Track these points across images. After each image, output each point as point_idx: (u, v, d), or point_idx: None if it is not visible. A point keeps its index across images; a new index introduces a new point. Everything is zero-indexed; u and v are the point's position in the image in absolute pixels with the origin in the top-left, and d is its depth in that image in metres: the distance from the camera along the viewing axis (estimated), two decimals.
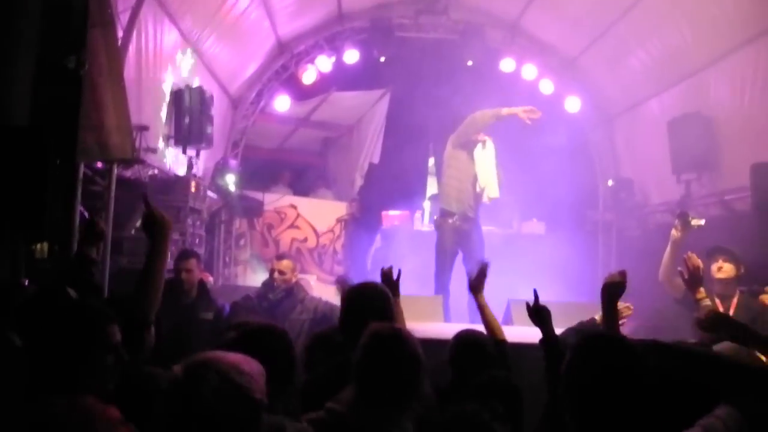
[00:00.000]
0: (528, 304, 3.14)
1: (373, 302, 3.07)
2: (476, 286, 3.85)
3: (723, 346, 2.80)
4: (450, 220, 7.16)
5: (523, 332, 3.71)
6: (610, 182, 9.44)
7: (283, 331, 2.60)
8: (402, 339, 2.51)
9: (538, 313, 3.07)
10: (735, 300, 4.95)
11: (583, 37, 9.30)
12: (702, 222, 5.07)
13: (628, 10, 8.06)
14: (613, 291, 3.00)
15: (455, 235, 7.13)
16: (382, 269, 3.73)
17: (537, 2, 9.10)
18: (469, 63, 9.81)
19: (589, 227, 10.27)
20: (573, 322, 3.94)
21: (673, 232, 5.07)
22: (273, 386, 2.01)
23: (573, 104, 10.00)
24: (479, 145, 7.34)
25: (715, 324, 2.90)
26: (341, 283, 3.76)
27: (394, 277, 3.66)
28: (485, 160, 7.26)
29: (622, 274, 3.04)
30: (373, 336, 2.53)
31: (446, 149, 7.35)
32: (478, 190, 7.21)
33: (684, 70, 7.99)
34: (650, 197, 9.22)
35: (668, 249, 5.08)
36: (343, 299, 3.20)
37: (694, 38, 7.55)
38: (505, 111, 7.12)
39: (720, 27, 7.02)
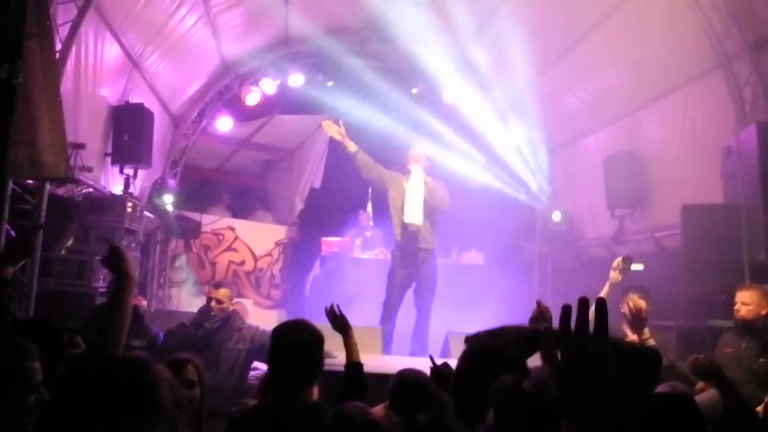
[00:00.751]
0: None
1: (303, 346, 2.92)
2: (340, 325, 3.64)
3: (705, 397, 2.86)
4: (398, 252, 7.17)
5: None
6: (555, 216, 9.58)
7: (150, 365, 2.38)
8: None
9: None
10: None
11: (525, 72, 9.49)
12: (641, 267, 5.24)
13: (568, 50, 8.32)
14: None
15: (403, 267, 7.13)
16: (326, 309, 3.65)
17: (481, 38, 9.24)
18: (414, 91, 9.88)
19: (526, 258, 10.43)
20: None
21: (612, 274, 5.20)
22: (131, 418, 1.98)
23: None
24: (406, 178, 7.34)
25: (707, 372, 2.93)
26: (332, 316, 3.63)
27: (337, 312, 3.59)
28: (411, 189, 7.24)
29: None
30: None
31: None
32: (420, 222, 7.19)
33: (620, 110, 8.29)
34: (585, 231, 9.43)
35: (605, 289, 5.20)
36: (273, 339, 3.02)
37: (630, 79, 7.85)
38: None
39: (654, 71, 7.31)
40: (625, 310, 3.33)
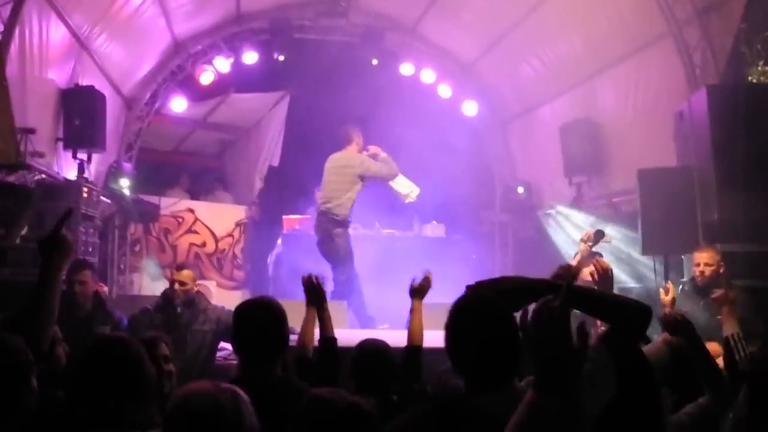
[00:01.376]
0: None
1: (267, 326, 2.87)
2: (420, 291, 3.87)
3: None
4: (350, 229, 7.37)
5: (427, 337, 3.69)
6: (520, 189, 9.69)
7: (132, 342, 2.38)
8: None
9: None
10: None
11: (479, 43, 9.57)
12: (611, 240, 5.45)
13: (521, 20, 8.35)
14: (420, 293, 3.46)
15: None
16: (303, 279, 3.63)
17: (434, 8, 9.23)
18: (374, 62, 9.81)
19: (487, 228, 10.54)
20: None
21: (582, 246, 5.37)
22: (124, 399, 2.05)
23: (470, 108, 10.23)
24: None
25: (678, 327, 2.98)
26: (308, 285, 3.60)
27: (315, 282, 3.58)
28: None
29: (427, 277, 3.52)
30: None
31: (352, 170, 7.41)
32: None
33: (574, 78, 8.38)
34: (544, 199, 9.56)
35: (576, 259, 5.36)
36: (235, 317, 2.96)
37: (582, 48, 7.94)
38: None
39: (607, 38, 7.41)
40: (593, 272, 3.40)
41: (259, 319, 2.84)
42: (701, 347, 2.85)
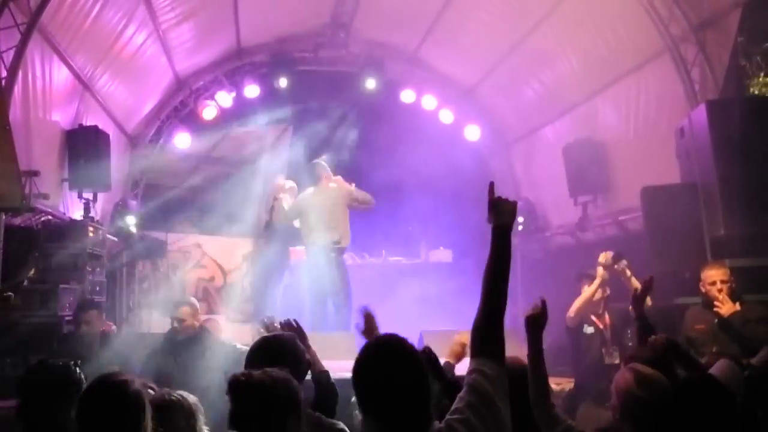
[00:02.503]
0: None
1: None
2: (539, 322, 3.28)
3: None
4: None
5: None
6: (520, 218, 9.68)
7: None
8: None
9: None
10: (607, 315, 5.73)
11: (479, 67, 9.61)
12: (624, 263, 5.65)
13: (518, 43, 8.41)
14: (536, 323, 2.98)
15: None
16: (281, 325, 3.64)
17: (433, 35, 9.31)
18: (370, 85, 9.84)
19: None
20: None
21: (600, 271, 5.42)
22: None
23: (472, 132, 10.27)
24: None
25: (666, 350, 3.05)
26: (267, 326, 3.59)
27: (294, 325, 3.60)
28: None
29: (543, 303, 3.01)
30: None
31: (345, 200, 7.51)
32: None
33: (574, 99, 8.41)
34: (550, 220, 9.54)
35: (595, 285, 5.61)
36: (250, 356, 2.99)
37: (581, 68, 7.96)
38: None
39: (605, 58, 7.44)
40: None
41: (274, 351, 2.86)
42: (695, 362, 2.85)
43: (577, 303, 5.67)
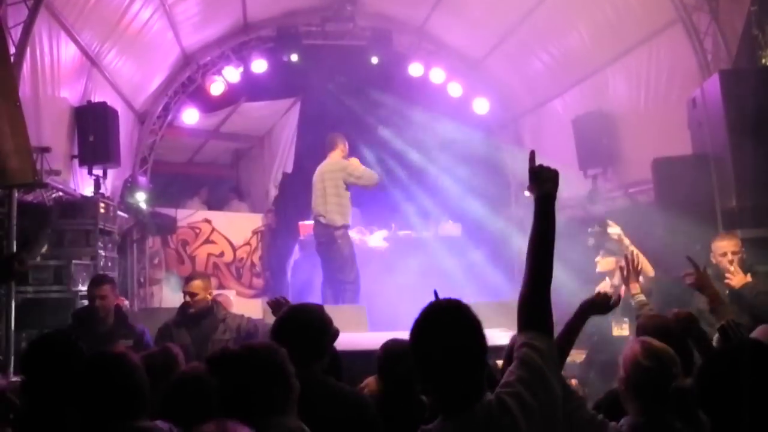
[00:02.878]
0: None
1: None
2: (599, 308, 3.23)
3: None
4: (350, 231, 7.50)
5: None
6: (526, 193, 9.67)
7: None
8: None
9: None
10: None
11: (487, 40, 9.52)
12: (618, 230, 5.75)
13: (527, 14, 8.32)
14: (594, 307, 3.03)
15: None
16: (269, 303, 3.68)
17: (441, 7, 9.22)
18: (374, 60, 9.78)
19: (503, 224, 10.49)
20: (493, 322, 4.01)
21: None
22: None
23: (481, 105, 10.21)
24: None
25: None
26: (275, 306, 3.61)
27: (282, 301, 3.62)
28: None
29: (606, 296, 3.09)
30: None
31: (337, 175, 7.44)
32: None
33: (584, 70, 8.34)
34: (560, 192, 9.40)
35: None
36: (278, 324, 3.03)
37: (591, 40, 7.88)
38: None
39: (615, 28, 7.36)
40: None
41: (300, 321, 2.89)
42: None
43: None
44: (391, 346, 3.36)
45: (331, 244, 7.31)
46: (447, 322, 2.00)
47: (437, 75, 10.02)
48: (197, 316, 4.90)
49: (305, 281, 8.53)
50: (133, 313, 6.87)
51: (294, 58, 9.42)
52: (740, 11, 5.99)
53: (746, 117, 5.27)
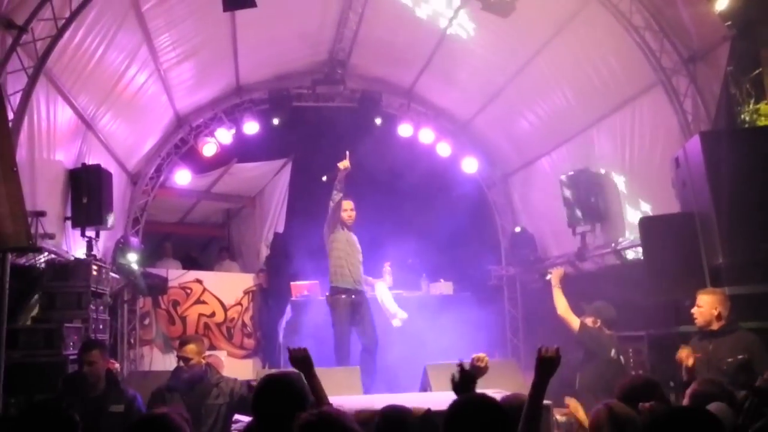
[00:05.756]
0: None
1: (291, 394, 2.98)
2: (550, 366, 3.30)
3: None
4: (343, 296, 7.19)
5: (444, 398, 3.66)
6: (517, 229, 9.87)
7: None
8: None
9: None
10: None
11: (475, 101, 9.80)
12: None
13: (513, 77, 8.59)
14: (546, 365, 3.02)
15: (350, 310, 7.18)
16: (289, 351, 3.67)
17: (429, 70, 9.50)
18: (378, 121, 10.01)
19: (495, 282, 10.57)
20: (488, 381, 4.04)
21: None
22: None
23: (470, 165, 10.41)
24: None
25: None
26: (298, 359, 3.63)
27: (302, 354, 3.63)
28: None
29: (557, 351, 3.07)
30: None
31: (324, 235, 7.44)
32: (360, 266, 7.43)
33: (570, 130, 8.56)
34: (549, 250, 9.64)
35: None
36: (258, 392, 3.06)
37: (576, 101, 8.13)
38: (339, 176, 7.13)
39: (599, 90, 7.59)
40: None
41: (280, 393, 2.92)
42: None
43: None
44: (391, 412, 3.34)
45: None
46: (482, 423, 2.26)
47: (426, 135, 10.24)
48: (191, 381, 4.87)
49: (297, 342, 8.41)
50: (124, 377, 6.79)
51: (279, 122, 9.68)
52: (717, 73, 6.20)
53: (728, 175, 5.39)
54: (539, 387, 2.97)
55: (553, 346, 3.03)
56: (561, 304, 5.94)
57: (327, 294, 7.35)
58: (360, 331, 7.18)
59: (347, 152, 7.05)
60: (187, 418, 3.21)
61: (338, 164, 7.00)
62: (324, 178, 7.17)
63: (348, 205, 7.36)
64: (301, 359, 3.62)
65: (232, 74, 9.27)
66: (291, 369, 3.58)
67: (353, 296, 7.19)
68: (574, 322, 5.78)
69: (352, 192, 7.39)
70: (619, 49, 6.96)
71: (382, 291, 7.96)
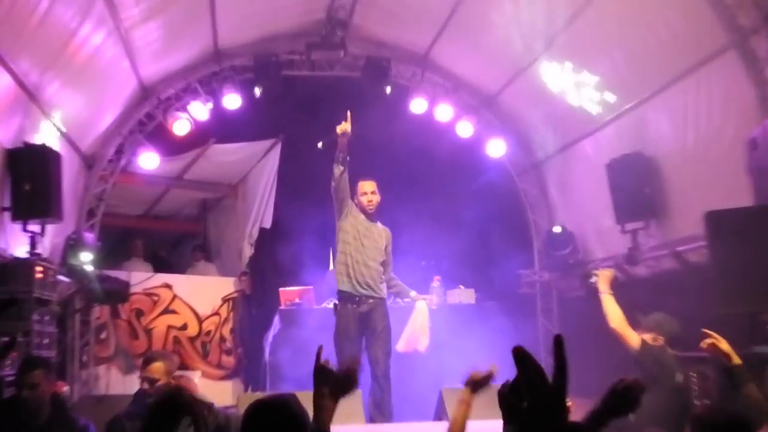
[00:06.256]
0: None
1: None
2: (475, 385, 3.56)
3: None
4: (348, 305, 6.93)
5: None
6: (557, 228, 9.72)
7: None
8: None
9: None
10: None
11: (504, 70, 9.64)
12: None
13: (551, 40, 8.40)
14: (624, 404, 2.80)
15: (357, 320, 6.92)
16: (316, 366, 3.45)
17: (448, 31, 9.35)
18: (387, 89, 9.86)
19: (526, 290, 10.48)
20: None
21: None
22: None
23: (496, 148, 10.26)
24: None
25: None
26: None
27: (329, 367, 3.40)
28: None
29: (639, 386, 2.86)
30: None
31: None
32: (377, 268, 7.08)
33: (620, 105, 8.38)
34: (593, 252, 9.52)
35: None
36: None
37: (629, 69, 7.95)
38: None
39: (657, 56, 7.41)
40: None
41: (276, 422, 2.82)
42: None
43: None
44: None
45: None
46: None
47: (444, 112, 10.10)
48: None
49: (286, 360, 8.34)
50: (74, 402, 6.71)
51: (272, 92, 9.52)
52: None
53: None
54: (598, 420, 2.79)
55: (630, 376, 2.85)
56: (615, 315, 5.66)
57: (338, 298, 7.10)
58: (370, 356, 6.86)
59: (348, 112, 6.76)
60: None
61: (336, 128, 6.68)
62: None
63: (368, 186, 7.12)
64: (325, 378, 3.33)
65: (208, 36, 9.14)
66: (281, 392, 3.44)
67: (361, 306, 6.90)
68: (633, 338, 5.53)
69: (355, 180, 7.20)
70: (683, 5, 6.78)
71: (420, 314, 7.63)
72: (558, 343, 1.80)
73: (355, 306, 6.89)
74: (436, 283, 8.37)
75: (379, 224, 7.20)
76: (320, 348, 3.08)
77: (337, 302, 7.06)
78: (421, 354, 7.57)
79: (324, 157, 9.01)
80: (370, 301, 6.94)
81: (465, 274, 9.84)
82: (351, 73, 9.99)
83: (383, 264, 7.14)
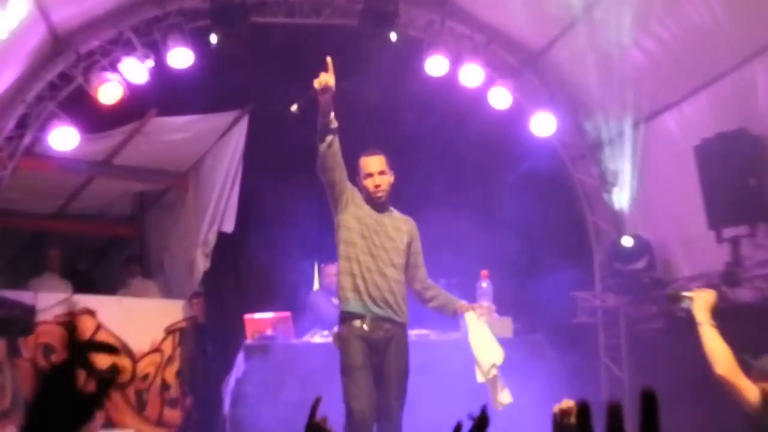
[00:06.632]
0: None
1: None
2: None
3: None
4: (356, 324, 6.64)
5: None
6: (627, 241, 9.60)
7: None
8: None
9: None
10: None
11: (552, 19, 9.50)
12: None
13: None
14: None
15: (364, 351, 6.62)
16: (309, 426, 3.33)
17: None
18: (393, 37, 9.68)
19: (583, 319, 10.42)
20: None
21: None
22: None
23: (544, 123, 10.17)
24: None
25: None
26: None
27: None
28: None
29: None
30: None
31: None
32: (398, 277, 6.80)
33: (716, 65, 8.28)
34: (677, 267, 9.46)
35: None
36: None
37: (727, 17, 7.81)
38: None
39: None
40: None
41: None
42: None
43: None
44: None
45: None
46: None
47: (471, 74, 9.98)
48: None
49: (253, 415, 8.22)
50: None
51: (236, 46, 9.39)
52: None
53: None
54: None
55: None
56: (722, 356, 5.41)
57: (342, 321, 6.83)
58: (380, 395, 6.62)
59: (329, 58, 6.48)
60: None
61: (314, 81, 6.38)
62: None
63: (373, 163, 6.86)
64: None
65: None
66: None
67: (375, 333, 6.62)
68: (749, 390, 5.31)
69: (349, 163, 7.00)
70: None
71: (477, 330, 7.20)
72: (648, 400, 1.69)
73: (367, 331, 6.60)
74: (485, 282, 8.15)
75: (395, 213, 6.94)
76: (317, 400, 2.93)
77: (339, 326, 6.81)
78: (441, 395, 7.58)
79: (305, 134, 8.90)
80: (387, 326, 6.65)
81: (499, 296, 9.71)
82: (344, 21, 9.88)
83: (408, 269, 6.88)
